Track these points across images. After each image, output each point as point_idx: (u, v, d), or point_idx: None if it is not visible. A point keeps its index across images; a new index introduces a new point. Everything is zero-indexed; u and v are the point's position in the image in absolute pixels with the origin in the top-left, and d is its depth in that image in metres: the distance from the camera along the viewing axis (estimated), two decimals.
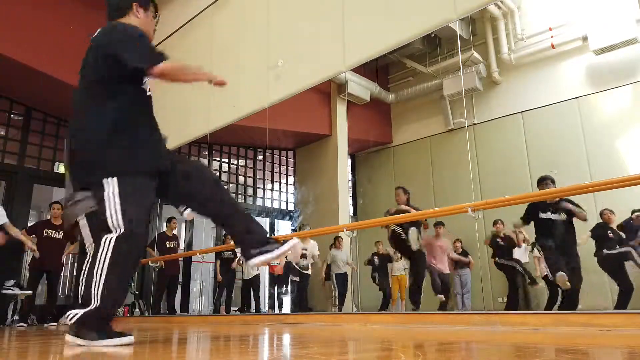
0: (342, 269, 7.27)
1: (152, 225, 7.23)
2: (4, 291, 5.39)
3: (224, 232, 8.25)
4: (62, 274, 6.91)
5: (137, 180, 1.96)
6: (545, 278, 5.82)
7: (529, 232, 5.54)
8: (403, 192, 5.56)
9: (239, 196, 8.89)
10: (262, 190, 9.08)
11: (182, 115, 6.61)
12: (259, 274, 7.41)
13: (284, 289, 7.34)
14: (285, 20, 5.42)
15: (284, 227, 9.06)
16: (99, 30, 2.08)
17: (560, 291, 4.83)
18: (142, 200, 1.97)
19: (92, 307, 1.85)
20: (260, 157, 9.13)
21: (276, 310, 7.13)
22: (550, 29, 7.41)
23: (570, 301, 4.39)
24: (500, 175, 7.14)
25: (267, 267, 7.34)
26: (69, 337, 1.88)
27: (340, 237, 7.16)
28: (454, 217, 4.88)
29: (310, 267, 7.30)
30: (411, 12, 4.19)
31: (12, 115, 7.36)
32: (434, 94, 8.66)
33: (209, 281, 8.98)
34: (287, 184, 9.34)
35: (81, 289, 1.96)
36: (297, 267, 7.11)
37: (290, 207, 9.25)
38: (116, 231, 1.91)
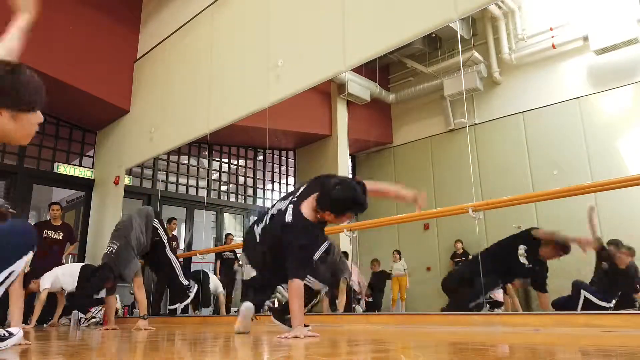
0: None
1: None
2: None
3: (224, 232, 8.25)
4: None
5: None
6: None
7: None
8: None
9: (239, 196, 8.88)
10: (262, 191, 9.07)
11: (182, 115, 6.61)
12: None
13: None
14: (286, 21, 5.41)
15: None
16: None
17: None
18: None
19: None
20: (260, 158, 9.12)
21: None
22: (551, 29, 7.39)
23: None
24: (501, 175, 7.12)
25: None
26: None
27: None
28: (454, 217, 4.87)
29: None
30: (411, 12, 4.18)
31: None
32: (434, 94, 8.64)
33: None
34: (287, 184, 9.33)
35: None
36: None
37: None
38: None
